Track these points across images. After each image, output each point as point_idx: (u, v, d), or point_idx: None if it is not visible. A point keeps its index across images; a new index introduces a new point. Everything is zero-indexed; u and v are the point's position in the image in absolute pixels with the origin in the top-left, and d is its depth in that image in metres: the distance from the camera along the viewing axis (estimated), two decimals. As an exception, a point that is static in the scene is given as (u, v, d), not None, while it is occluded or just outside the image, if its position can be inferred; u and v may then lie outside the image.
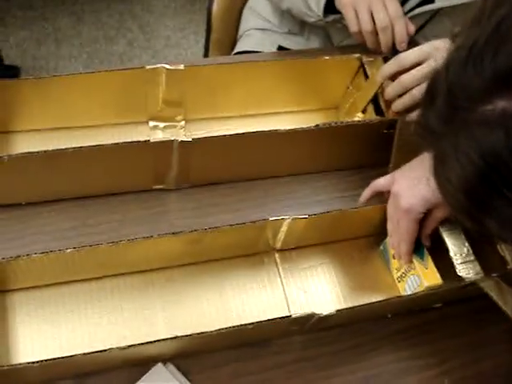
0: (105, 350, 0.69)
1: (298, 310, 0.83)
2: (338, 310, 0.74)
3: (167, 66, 0.89)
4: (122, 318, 0.81)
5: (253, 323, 0.72)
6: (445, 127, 0.45)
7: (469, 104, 0.43)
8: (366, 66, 0.95)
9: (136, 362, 0.77)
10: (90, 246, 0.75)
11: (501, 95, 0.41)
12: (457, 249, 0.79)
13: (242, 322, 0.80)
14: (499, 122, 0.41)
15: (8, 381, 0.72)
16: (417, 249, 0.82)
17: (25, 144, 0.91)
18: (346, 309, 0.75)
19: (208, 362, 0.79)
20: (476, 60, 0.42)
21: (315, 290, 0.85)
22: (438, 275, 0.80)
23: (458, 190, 0.46)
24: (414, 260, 0.82)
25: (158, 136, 0.95)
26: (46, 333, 0.79)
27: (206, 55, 1.32)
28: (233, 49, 1.29)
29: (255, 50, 1.23)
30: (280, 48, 1.22)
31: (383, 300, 0.77)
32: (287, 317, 0.73)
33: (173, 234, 0.76)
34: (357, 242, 0.89)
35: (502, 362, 0.83)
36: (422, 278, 0.80)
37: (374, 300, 0.79)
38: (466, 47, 0.43)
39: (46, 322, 0.79)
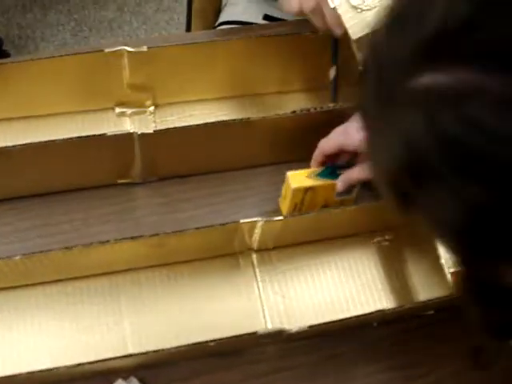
0: (51, 370, 0.64)
1: (274, 317, 0.77)
2: (310, 326, 0.67)
3: (128, 49, 0.81)
4: (83, 324, 0.75)
5: (215, 340, 0.66)
6: (374, 107, 0.38)
7: (394, 80, 0.35)
8: (352, 44, 0.85)
9: (96, 374, 0.71)
10: (41, 251, 0.69)
11: (426, 69, 0.33)
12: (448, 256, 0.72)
13: (215, 329, 0.75)
14: (420, 101, 0.33)
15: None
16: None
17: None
18: (319, 324, 0.68)
19: (175, 375, 0.73)
20: (400, 25, 0.35)
21: (294, 294, 0.79)
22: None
23: (383, 179, 0.39)
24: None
25: (126, 123, 0.88)
26: (2, 341, 0.73)
27: (188, 26, 1.23)
28: (217, 18, 1.20)
29: (240, 20, 1.14)
30: (266, 17, 1.12)
31: (365, 314, 0.70)
32: (253, 333, 0.67)
33: (131, 238, 0.70)
34: (342, 240, 0.82)
35: (496, 370, 0.76)
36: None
37: (359, 307, 0.73)
38: (391, 12, 0.36)
39: (2, 330, 0.74)
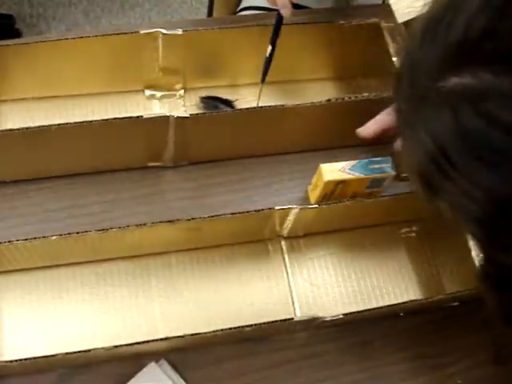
0: (89, 351, 0.64)
1: (303, 303, 0.77)
2: (344, 314, 0.67)
3: (164, 31, 0.80)
4: (114, 305, 0.75)
5: (251, 325, 0.66)
6: (407, 105, 0.43)
7: (426, 82, 0.40)
8: (384, 32, 0.85)
9: (127, 357, 0.71)
10: (77, 233, 0.68)
11: (452, 72, 0.38)
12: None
13: (243, 315, 0.76)
14: (447, 101, 0.38)
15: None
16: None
17: (9, 114, 0.84)
18: (354, 313, 0.68)
19: (206, 359, 0.74)
20: (431, 34, 0.39)
21: (323, 282, 0.79)
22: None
23: (413, 170, 0.43)
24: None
25: (155, 106, 0.88)
26: (34, 321, 0.74)
27: (209, 11, 1.22)
28: (239, 4, 1.19)
29: (263, 5, 1.13)
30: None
31: (397, 304, 0.70)
32: (289, 319, 0.67)
33: (169, 222, 0.70)
34: (371, 230, 0.82)
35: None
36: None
37: (386, 297, 0.74)
38: (424, 20, 0.41)
39: (33, 309, 0.74)
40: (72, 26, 1.76)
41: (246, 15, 1.09)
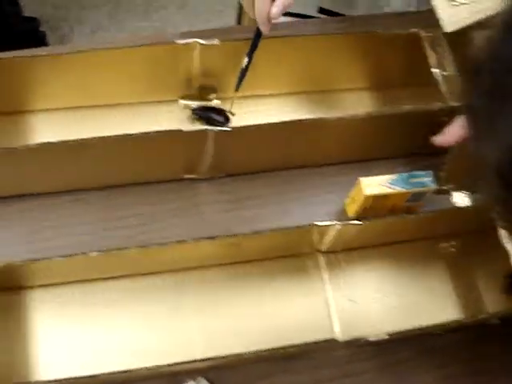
0: (131, 371, 0.63)
1: (341, 319, 0.76)
2: (389, 335, 0.66)
3: (201, 41, 0.79)
4: (150, 321, 0.74)
5: (293, 346, 0.65)
6: (486, 103, 0.41)
7: (508, 78, 0.38)
8: (424, 42, 0.84)
9: (165, 374, 0.70)
10: (118, 249, 0.67)
11: None
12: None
13: (280, 331, 0.75)
14: None
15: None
16: None
17: (44, 125, 0.83)
18: (398, 333, 0.67)
19: (244, 377, 0.73)
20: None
21: (361, 298, 0.77)
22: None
23: (491, 171, 0.41)
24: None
25: (190, 116, 0.86)
26: (69, 336, 0.73)
27: (239, 17, 1.21)
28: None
29: (294, 12, 1.11)
30: (321, 10, 1.10)
31: (439, 325, 0.69)
32: (333, 340, 0.66)
33: (209, 238, 0.69)
34: (409, 244, 0.81)
35: None
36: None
37: (424, 313, 0.72)
38: (508, 14, 0.39)
39: (69, 323, 0.73)
40: (96, 28, 1.75)
41: (279, 23, 1.07)
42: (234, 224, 0.80)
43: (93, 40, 1.73)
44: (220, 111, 0.85)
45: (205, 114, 0.85)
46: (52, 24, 1.75)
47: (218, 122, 0.83)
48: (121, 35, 1.72)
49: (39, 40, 1.59)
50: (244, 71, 0.78)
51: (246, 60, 0.76)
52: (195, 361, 0.64)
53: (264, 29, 0.73)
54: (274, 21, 0.72)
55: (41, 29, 1.67)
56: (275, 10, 0.71)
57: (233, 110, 0.83)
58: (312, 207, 0.83)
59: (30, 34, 1.59)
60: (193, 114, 0.85)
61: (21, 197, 0.79)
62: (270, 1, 0.70)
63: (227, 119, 0.83)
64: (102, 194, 0.80)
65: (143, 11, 1.79)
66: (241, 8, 1.21)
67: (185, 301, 0.75)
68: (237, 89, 0.79)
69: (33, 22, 1.62)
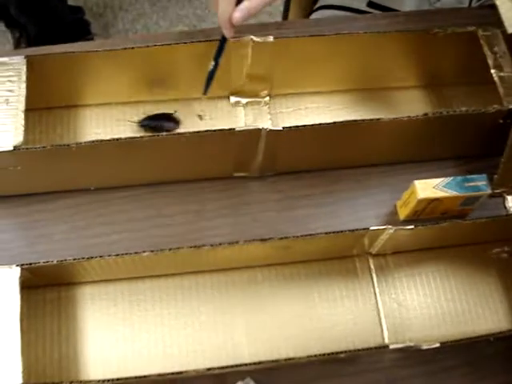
0: (181, 373, 0.63)
1: (390, 324, 0.75)
2: (442, 343, 0.65)
3: (254, 38, 0.78)
4: (198, 321, 0.74)
5: (345, 351, 0.64)
6: None
7: None
8: (481, 42, 0.81)
9: (214, 374, 0.70)
10: (170, 249, 0.67)
11: None
12: None
13: (328, 333, 0.75)
14: None
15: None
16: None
17: (93, 119, 0.83)
18: (452, 342, 0.66)
19: (292, 379, 0.72)
20: None
21: (411, 302, 0.76)
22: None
23: None
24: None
25: (240, 113, 0.86)
26: (118, 333, 0.73)
27: (286, 11, 1.19)
28: (315, 2, 1.16)
29: (342, 4, 1.10)
30: (370, 3, 1.08)
31: (492, 333, 0.67)
32: (384, 346, 0.65)
33: (261, 240, 0.68)
34: (461, 249, 0.79)
35: None
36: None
37: (475, 320, 0.71)
38: None
39: (118, 320, 0.74)
40: (138, 16, 1.75)
41: (330, 18, 1.05)
42: (284, 223, 0.80)
43: (135, 28, 1.73)
44: (169, 117, 0.82)
45: (153, 123, 0.83)
46: (95, 11, 1.75)
47: (168, 128, 0.82)
48: (163, 23, 1.71)
49: (84, 29, 1.60)
50: (211, 75, 0.76)
51: (212, 64, 0.75)
52: (245, 364, 0.64)
53: (226, 33, 0.70)
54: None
55: (85, 17, 1.67)
56: (238, 15, 0.67)
57: (283, 108, 0.82)
58: (362, 208, 0.82)
59: (75, 25, 1.60)
60: (139, 125, 0.82)
61: (73, 192, 0.79)
62: (234, 4, 0.67)
63: (177, 123, 0.82)
64: (152, 191, 0.80)
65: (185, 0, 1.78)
66: (288, 2, 1.20)
67: (232, 301, 0.75)
68: (204, 92, 0.77)
69: (78, 11, 1.62)
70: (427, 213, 0.79)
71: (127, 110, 0.84)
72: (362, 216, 0.81)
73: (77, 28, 1.56)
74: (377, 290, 0.77)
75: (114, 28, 1.73)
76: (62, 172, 0.75)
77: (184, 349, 0.73)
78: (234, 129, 0.71)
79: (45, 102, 0.81)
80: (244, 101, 0.86)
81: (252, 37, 0.78)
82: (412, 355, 0.74)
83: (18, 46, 1.59)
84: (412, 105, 0.89)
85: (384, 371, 0.74)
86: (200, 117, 0.84)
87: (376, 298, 0.76)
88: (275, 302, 0.75)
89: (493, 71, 0.79)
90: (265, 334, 0.74)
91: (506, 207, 0.83)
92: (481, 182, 0.76)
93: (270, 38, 0.78)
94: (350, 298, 0.76)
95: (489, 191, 0.76)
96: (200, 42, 0.78)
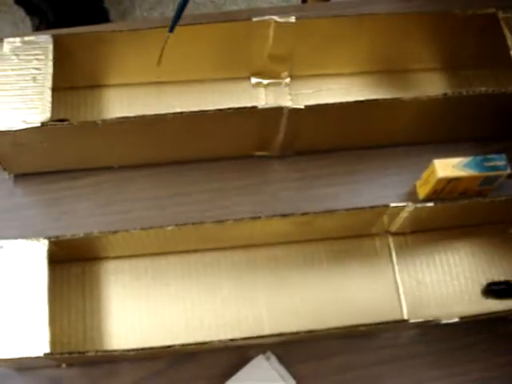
0: (206, 343, 0.64)
1: (409, 301, 0.76)
2: (460, 318, 0.66)
3: (276, 19, 0.79)
4: (220, 295, 0.75)
5: (365, 325, 0.65)
6: None
7: None
8: (502, 24, 0.82)
9: (233, 348, 0.72)
10: (193, 223, 0.68)
11: None
12: None
13: (347, 310, 0.75)
14: None
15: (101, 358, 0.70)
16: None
17: (117, 99, 0.85)
18: (471, 317, 0.67)
19: (311, 353, 0.73)
20: None
21: (430, 280, 0.77)
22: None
23: None
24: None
25: (261, 93, 0.87)
26: (141, 306, 0.75)
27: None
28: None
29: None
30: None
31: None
32: (404, 320, 0.66)
33: (282, 216, 0.69)
34: (478, 228, 0.80)
35: None
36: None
37: (499, 302, 0.72)
38: None
39: (141, 295, 0.75)
40: (156, 4, 1.76)
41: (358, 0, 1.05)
42: (304, 202, 0.81)
43: (152, 16, 1.74)
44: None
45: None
46: (115, -1, 1.76)
47: None
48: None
49: (103, 16, 1.61)
50: (180, 9, 0.72)
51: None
52: (266, 336, 0.65)
53: None
54: None
55: (104, 5, 1.68)
56: None
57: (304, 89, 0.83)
58: (382, 188, 0.83)
59: (94, 11, 1.61)
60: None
61: (97, 170, 0.80)
62: None
63: None
64: (175, 169, 0.81)
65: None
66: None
67: (254, 277, 0.76)
68: (171, 30, 0.73)
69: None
70: (446, 192, 0.79)
71: (151, 90, 0.85)
72: (381, 195, 0.81)
73: (96, 15, 1.57)
74: (396, 268, 0.77)
75: (132, 15, 1.74)
76: (86, 149, 0.77)
77: (206, 323, 0.74)
78: (256, 107, 0.72)
79: (70, 82, 0.82)
80: (265, 82, 0.87)
81: (274, 17, 0.78)
82: (430, 332, 0.75)
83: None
84: (432, 87, 0.89)
85: (403, 347, 0.75)
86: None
87: (395, 276, 0.77)
88: (295, 278, 0.76)
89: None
90: (285, 310, 0.75)
91: (524, 188, 0.83)
92: (500, 162, 0.77)
93: (292, 19, 0.79)
94: (369, 276, 0.77)
95: (508, 171, 0.77)
96: (224, 22, 0.79)
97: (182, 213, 0.79)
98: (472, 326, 0.75)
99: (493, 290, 0.77)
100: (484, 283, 0.78)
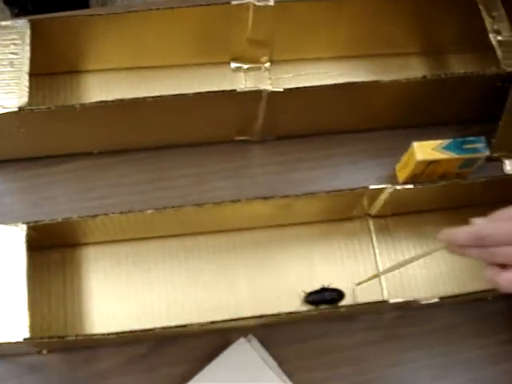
0: (185, 326, 0.64)
1: (390, 284, 0.76)
2: (440, 298, 0.66)
3: (255, 2, 0.78)
4: (202, 279, 0.75)
5: (345, 306, 0.66)
6: None
7: None
8: (480, 7, 0.82)
9: (215, 331, 0.72)
10: (173, 207, 0.68)
11: None
12: None
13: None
14: None
15: (81, 343, 0.70)
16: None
17: (96, 85, 0.84)
18: (449, 297, 0.67)
19: (293, 336, 0.73)
20: None
21: (410, 264, 0.77)
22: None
23: None
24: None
25: (241, 78, 0.87)
26: (122, 292, 0.74)
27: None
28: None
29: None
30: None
31: (489, 290, 0.68)
32: (383, 301, 0.66)
33: (263, 198, 0.69)
34: (459, 211, 0.80)
35: None
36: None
37: (475, 280, 0.72)
38: None
39: (122, 281, 0.75)
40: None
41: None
42: (285, 186, 0.81)
43: (133, 2, 1.73)
44: (334, 290, 0.76)
45: (316, 298, 0.76)
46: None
47: (332, 300, 0.75)
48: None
49: (83, 4, 1.60)
50: None
51: None
52: (248, 318, 0.65)
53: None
54: None
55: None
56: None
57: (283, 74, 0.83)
58: (362, 171, 0.83)
59: (75, 0, 1.59)
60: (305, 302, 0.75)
61: (75, 156, 0.80)
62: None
63: (341, 297, 0.75)
64: (154, 154, 0.81)
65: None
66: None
67: (234, 261, 0.76)
68: None
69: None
70: (426, 175, 0.80)
71: (130, 75, 0.85)
72: (362, 178, 0.82)
73: (75, 4, 1.55)
74: (376, 252, 0.78)
75: (113, 3, 1.73)
76: (65, 134, 0.76)
77: (187, 307, 0.74)
78: (235, 90, 0.72)
79: (48, 68, 0.82)
80: (245, 66, 0.87)
81: (253, 0, 0.78)
82: (411, 314, 0.75)
83: (16, 22, 1.59)
84: (412, 71, 0.89)
85: (384, 329, 0.75)
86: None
87: (376, 259, 0.77)
88: (277, 262, 0.76)
89: (491, 35, 0.80)
90: (266, 294, 0.75)
91: (504, 171, 0.84)
92: (479, 144, 0.77)
93: (271, 2, 0.79)
94: (349, 259, 0.77)
95: (487, 153, 0.77)
96: (201, 5, 0.78)
97: (162, 198, 0.79)
98: (453, 308, 0.76)
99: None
100: (464, 265, 0.79)
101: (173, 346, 0.72)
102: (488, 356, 0.75)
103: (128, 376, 0.70)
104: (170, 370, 0.70)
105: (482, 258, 0.58)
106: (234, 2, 0.78)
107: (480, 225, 0.59)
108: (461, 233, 0.59)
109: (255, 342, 0.71)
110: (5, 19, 0.75)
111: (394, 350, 0.74)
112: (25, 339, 0.62)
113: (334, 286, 0.75)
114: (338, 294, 0.75)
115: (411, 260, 0.67)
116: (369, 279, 0.73)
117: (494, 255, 0.56)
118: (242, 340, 0.71)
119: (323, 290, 0.75)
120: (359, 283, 0.74)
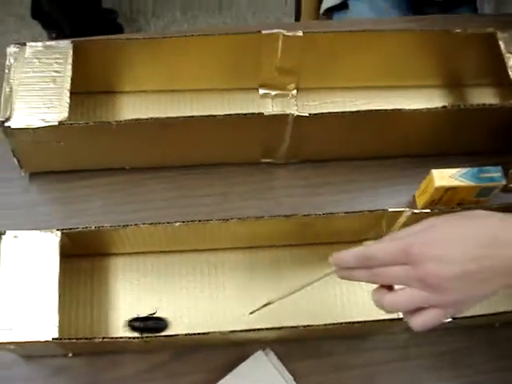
0: (207, 333, 0.67)
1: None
2: (453, 318, 0.68)
3: (285, 32, 0.83)
4: (223, 294, 0.78)
5: (359, 322, 0.68)
6: None
7: None
8: (500, 43, 0.85)
9: (235, 343, 0.74)
10: (200, 221, 0.72)
11: None
12: None
13: (346, 312, 0.78)
14: None
15: (105, 348, 0.72)
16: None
17: (130, 106, 0.89)
18: (462, 318, 0.69)
19: (309, 352, 0.76)
20: None
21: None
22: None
23: None
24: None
25: (268, 104, 0.91)
26: (146, 301, 0.77)
27: (297, 11, 1.24)
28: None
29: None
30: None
31: (502, 313, 0.70)
32: (397, 319, 0.69)
33: (285, 216, 0.72)
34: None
35: None
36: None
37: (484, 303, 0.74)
38: None
39: (147, 291, 0.78)
40: (169, 23, 1.81)
41: (364, 19, 1.09)
42: (306, 209, 0.83)
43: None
44: (159, 319, 0.77)
45: (141, 325, 0.77)
46: (129, 17, 1.82)
47: (156, 329, 0.76)
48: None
49: (117, 32, 1.66)
50: None
51: None
52: (267, 329, 0.67)
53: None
54: None
55: (118, 21, 1.74)
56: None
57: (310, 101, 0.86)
58: (382, 197, 0.86)
59: (109, 26, 1.66)
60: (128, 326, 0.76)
61: (108, 171, 0.84)
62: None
63: (165, 327, 0.77)
64: (183, 173, 0.85)
65: (216, 8, 1.84)
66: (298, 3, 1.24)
67: (254, 277, 0.79)
68: None
69: (112, 14, 1.69)
70: (444, 202, 0.82)
71: (163, 98, 0.89)
72: (381, 204, 0.84)
73: (110, 30, 1.63)
74: (393, 273, 0.80)
75: (146, 31, 1.80)
76: (100, 150, 0.80)
77: (208, 319, 0.77)
78: (262, 113, 0.76)
79: (86, 87, 0.87)
80: (273, 93, 0.91)
81: (282, 31, 0.82)
82: (423, 335, 0.77)
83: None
84: (433, 103, 0.93)
85: (396, 349, 0.77)
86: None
87: (392, 281, 0.79)
88: (296, 279, 0.79)
89: (510, 70, 0.83)
90: (285, 310, 0.77)
91: (520, 202, 0.86)
92: (496, 174, 0.80)
93: (300, 33, 0.83)
94: (367, 280, 0.79)
95: (503, 182, 0.80)
96: (235, 34, 0.83)
97: (189, 215, 0.82)
98: (463, 331, 0.78)
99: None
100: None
101: (193, 355, 0.75)
102: (500, 380, 0.77)
103: (149, 382, 0.73)
104: (189, 379, 0.73)
105: (370, 280, 0.58)
106: (264, 32, 0.82)
107: (367, 245, 0.59)
108: (348, 253, 0.59)
109: (272, 355, 0.74)
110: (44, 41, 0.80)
111: (405, 370, 0.76)
112: (53, 339, 0.65)
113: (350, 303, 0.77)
114: (162, 324, 0.76)
115: (302, 287, 0.66)
116: (261, 307, 0.70)
117: (380, 276, 0.56)
118: (259, 353, 0.73)
119: (147, 318, 0.76)
120: (252, 312, 0.71)
